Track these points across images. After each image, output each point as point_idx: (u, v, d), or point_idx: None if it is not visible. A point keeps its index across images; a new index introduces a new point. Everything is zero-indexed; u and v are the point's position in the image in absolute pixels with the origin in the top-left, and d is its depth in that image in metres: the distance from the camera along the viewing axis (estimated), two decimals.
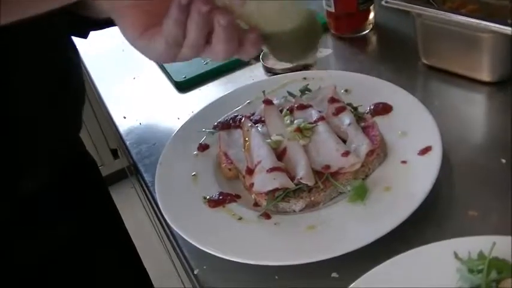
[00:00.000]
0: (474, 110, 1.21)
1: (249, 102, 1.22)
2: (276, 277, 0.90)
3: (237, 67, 1.47)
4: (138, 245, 1.44)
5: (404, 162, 0.99)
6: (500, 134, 1.10)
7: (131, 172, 1.64)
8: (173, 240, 1.01)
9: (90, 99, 2.24)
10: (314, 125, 1.04)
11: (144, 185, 1.16)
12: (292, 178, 0.97)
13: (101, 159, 3.36)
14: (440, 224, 0.91)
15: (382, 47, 1.46)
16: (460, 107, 1.20)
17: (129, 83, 1.56)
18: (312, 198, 0.96)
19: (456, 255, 0.80)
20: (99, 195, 1.35)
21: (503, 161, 1.02)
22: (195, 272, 0.92)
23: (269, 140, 1.03)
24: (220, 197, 1.00)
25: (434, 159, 0.96)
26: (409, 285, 0.79)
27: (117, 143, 1.50)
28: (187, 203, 1.02)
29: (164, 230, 1.06)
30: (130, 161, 1.26)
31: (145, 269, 1.49)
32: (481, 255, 0.78)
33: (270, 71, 1.38)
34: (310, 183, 0.94)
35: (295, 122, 1.05)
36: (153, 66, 1.57)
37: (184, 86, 1.45)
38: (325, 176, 0.97)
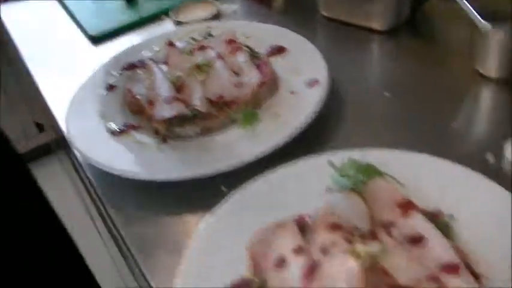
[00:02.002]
0: (366, 55, 1.35)
1: (157, 50, 1.33)
2: (171, 192, 1.02)
3: (149, 21, 1.58)
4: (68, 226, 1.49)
5: (293, 93, 1.12)
6: (386, 74, 1.28)
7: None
8: (110, 224, 1.09)
9: None
10: (211, 62, 1.16)
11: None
12: (188, 108, 1.09)
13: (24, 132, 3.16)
14: (326, 148, 1.02)
15: (285, 2, 1.59)
16: (354, 52, 1.34)
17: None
18: (207, 125, 1.07)
19: (330, 163, 0.92)
20: (13, 173, 1.37)
21: (387, 94, 1.16)
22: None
23: (169, 76, 1.15)
24: (125, 127, 1.11)
25: (320, 91, 1.10)
26: (286, 194, 0.92)
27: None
28: (97, 135, 1.13)
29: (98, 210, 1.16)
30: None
31: (78, 249, 1.55)
32: (351, 161, 0.91)
33: (179, 24, 1.49)
34: (203, 109, 1.06)
35: (194, 60, 1.17)
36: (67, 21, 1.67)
37: (98, 39, 1.54)
38: (219, 104, 1.09)
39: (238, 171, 0.97)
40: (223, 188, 0.98)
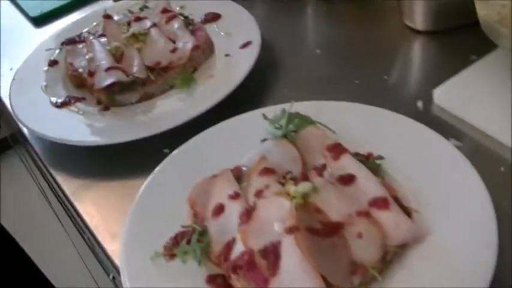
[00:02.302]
0: (300, 19, 1.38)
1: (95, 24, 1.34)
2: (116, 157, 1.05)
3: (89, 0, 1.58)
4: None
5: (227, 55, 1.15)
6: (319, 34, 1.32)
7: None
8: (60, 194, 1.11)
9: None
10: (147, 31, 1.18)
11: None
12: (128, 76, 1.11)
13: None
14: (261, 105, 1.05)
15: None
16: (289, 17, 1.38)
17: None
18: (146, 90, 1.09)
19: (264, 116, 0.95)
20: None
21: (318, 51, 1.20)
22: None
23: (108, 47, 1.16)
24: (68, 99, 1.13)
25: (253, 51, 1.12)
26: (223, 149, 0.95)
27: None
28: (41, 108, 1.14)
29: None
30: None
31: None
32: (283, 112, 0.93)
33: (117, 1, 1.50)
34: (142, 75, 1.08)
35: (131, 30, 1.19)
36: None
37: (40, 21, 1.54)
38: (156, 70, 1.11)
39: (179, 133, 1.00)
40: (165, 151, 0.99)
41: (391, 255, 0.75)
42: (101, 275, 1.21)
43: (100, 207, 0.97)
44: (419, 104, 1.02)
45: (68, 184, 1.03)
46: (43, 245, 1.86)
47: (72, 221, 1.14)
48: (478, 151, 0.91)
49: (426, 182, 0.83)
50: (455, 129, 0.96)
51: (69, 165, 1.06)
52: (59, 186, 1.03)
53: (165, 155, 0.96)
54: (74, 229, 1.07)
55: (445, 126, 0.95)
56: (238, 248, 0.75)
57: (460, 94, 1.01)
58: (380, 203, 0.77)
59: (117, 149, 1.02)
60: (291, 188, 0.77)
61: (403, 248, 0.76)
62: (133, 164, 1.02)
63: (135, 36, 1.16)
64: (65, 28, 1.36)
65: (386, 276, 0.74)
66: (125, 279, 0.78)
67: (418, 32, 1.19)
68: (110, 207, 0.97)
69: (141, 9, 1.29)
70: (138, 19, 1.22)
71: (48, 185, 1.14)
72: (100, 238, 0.92)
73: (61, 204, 1.12)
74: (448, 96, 1.02)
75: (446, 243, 0.75)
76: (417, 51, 1.22)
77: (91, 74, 1.10)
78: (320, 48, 1.21)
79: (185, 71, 1.10)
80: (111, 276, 1.07)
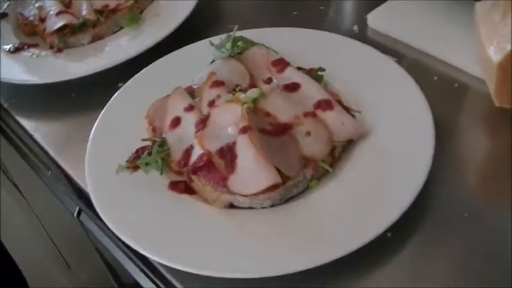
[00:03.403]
0: None
1: None
2: (74, 94, 1.05)
3: None
4: None
5: None
6: None
7: None
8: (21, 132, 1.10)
9: None
10: None
11: None
12: (78, 19, 1.10)
13: None
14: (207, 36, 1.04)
15: None
16: None
17: None
18: (96, 31, 1.09)
19: (211, 42, 0.96)
20: None
21: None
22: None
23: None
24: (20, 45, 1.11)
25: None
26: (175, 73, 0.96)
27: None
28: None
29: None
30: None
31: None
32: (227, 37, 0.94)
33: None
34: (92, 17, 1.08)
35: None
36: None
37: None
38: (105, 12, 1.10)
39: (132, 68, 1.00)
40: (120, 84, 0.99)
41: (338, 151, 0.77)
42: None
43: (62, 140, 0.98)
44: (355, 28, 1.05)
45: (29, 123, 1.03)
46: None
47: (29, 160, 1.12)
48: (412, 65, 0.94)
49: (366, 89, 0.86)
50: (389, 48, 0.99)
51: (29, 106, 1.06)
52: (20, 125, 1.02)
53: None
54: (36, 161, 1.06)
55: (380, 46, 0.97)
56: (196, 153, 0.77)
57: (391, 16, 1.05)
58: (324, 104, 0.79)
59: (74, 88, 1.03)
60: (241, 95, 0.79)
61: (349, 144, 0.77)
62: (91, 99, 1.02)
63: None
64: None
65: (335, 168, 0.75)
66: (91, 194, 0.79)
67: None
68: (72, 139, 0.97)
69: None
70: None
71: (6, 128, 1.12)
72: (64, 166, 0.92)
73: (20, 144, 1.11)
74: (380, 19, 1.05)
75: (388, 138, 0.78)
76: None
77: (42, 20, 1.11)
78: None
79: (132, 12, 1.08)
80: (75, 213, 1.06)
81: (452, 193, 0.75)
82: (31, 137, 1.01)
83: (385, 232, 0.68)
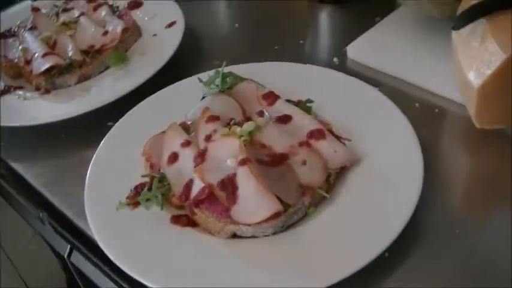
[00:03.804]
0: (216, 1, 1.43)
1: (23, 20, 1.34)
2: (64, 136, 1.07)
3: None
4: None
5: (155, 35, 1.19)
6: (236, 11, 1.37)
7: None
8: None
9: None
10: (77, 19, 1.20)
11: None
12: (64, 60, 1.13)
13: None
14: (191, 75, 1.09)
15: None
16: (204, 2, 1.42)
17: None
18: (83, 72, 1.12)
19: (199, 79, 0.99)
20: None
21: (237, 25, 1.27)
22: None
23: (40, 36, 1.18)
24: (6, 88, 1.13)
25: (178, 28, 1.17)
26: (166, 111, 0.99)
27: None
28: None
29: None
30: None
31: None
32: (216, 73, 0.98)
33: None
34: (78, 58, 1.10)
35: (61, 19, 1.21)
36: None
37: None
38: (91, 53, 1.13)
39: (120, 107, 1.02)
40: (110, 123, 1.02)
41: (333, 178, 0.80)
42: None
43: (54, 180, 0.99)
44: (335, 59, 1.09)
45: (19, 164, 1.04)
46: None
47: (16, 205, 1.13)
48: (393, 93, 0.97)
49: (353, 117, 0.90)
50: (370, 77, 1.03)
51: (19, 148, 1.07)
52: (10, 167, 1.03)
53: (110, 128, 0.99)
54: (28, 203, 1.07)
55: (361, 76, 1.01)
56: (197, 186, 0.79)
57: (370, 47, 1.09)
58: (317, 134, 0.83)
59: (63, 128, 1.05)
60: (237, 128, 0.82)
61: (342, 170, 0.81)
62: (81, 139, 1.03)
63: (65, 24, 1.18)
64: None
65: (331, 194, 0.79)
66: (93, 229, 0.81)
67: (324, 1, 1.26)
68: (64, 179, 0.98)
69: (65, 2, 1.29)
70: (66, 10, 1.25)
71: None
72: (60, 206, 0.94)
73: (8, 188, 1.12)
74: (359, 50, 1.09)
75: (378, 163, 0.82)
76: (327, 17, 1.29)
77: (27, 62, 1.12)
78: (238, 23, 1.26)
79: (118, 51, 1.11)
80: (66, 253, 1.07)
81: (442, 211, 0.80)
82: (22, 178, 1.01)
83: (383, 252, 0.71)
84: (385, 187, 0.78)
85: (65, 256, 1.05)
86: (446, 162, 0.87)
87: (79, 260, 1.02)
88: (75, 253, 1.03)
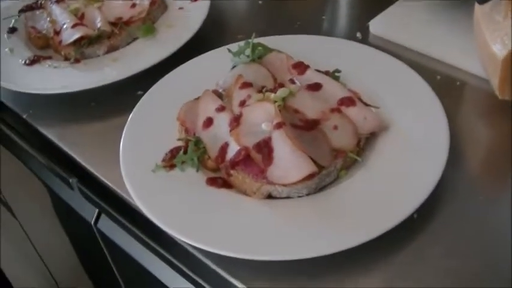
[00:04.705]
0: None
1: None
2: (94, 103, 1.09)
3: None
4: None
5: (181, 8, 1.22)
6: None
7: None
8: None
9: None
10: None
11: None
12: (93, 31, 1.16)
13: None
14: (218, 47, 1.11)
15: None
16: None
17: None
18: (112, 42, 1.15)
19: (229, 50, 1.02)
20: None
21: (260, 2, 1.29)
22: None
23: (69, 8, 1.21)
24: (36, 58, 1.16)
25: (204, 3, 1.20)
26: (198, 79, 1.01)
27: None
28: (12, 68, 1.15)
29: None
30: None
31: None
32: (246, 43, 1.01)
33: None
34: (107, 29, 1.13)
35: None
36: None
37: None
38: (119, 24, 1.16)
39: (149, 77, 1.05)
40: (139, 93, 1.04)
41: (363, 143, 0.84)
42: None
43: (88, 146, 1.01)
44: (358, 34, 1.12)
45: (51, 131, 1.06)
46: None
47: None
48: (415, 66, 0.99)
49: (380, 88, 0.93)
50: (392, 52, 1.05)
51: (50, 117, 1.09)
52: (42, 135, 1.06)
53: (140, 97, 1.01)
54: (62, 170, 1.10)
55: (383, 51, 1.04)
56: (232, 149, 0.82)
57: (392, 22, 1.12)
58: (347, 101, 0.86)
59: (93, 97, 1.07)
60: (271, 94, 0.85)
61: (372, 136, 0.85)
62: (111, 107, 1.06)
63: None
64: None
65: (362, 159, 0.83)
66: (130, 192, 0.83)
67: None
68: (99, 145, 1.00)
69: None
70: None
71: (30, 141, 1.16)
72: (95, 171, 0.96)
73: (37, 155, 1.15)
74: (382, 25, 1.13)
75: (406, 130, 0.85)
76: None
77: (57, 32, 1.14)
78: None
79: (146, 23, 1.14)
80: (93, 219, 1.10)
81: (466, 179, 0.84)
82: (52, 145, 1.04)
83: (411, 214, 0.75)
84: (413, 152, 0.81)
85: (92, 223, 1.08)
86: (468, 132, 0.90)
87: (106, 225, 1.05)
88: (102, 218, 1.06)
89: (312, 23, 1.20)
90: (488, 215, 0.78)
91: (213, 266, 0.78)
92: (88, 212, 1.11)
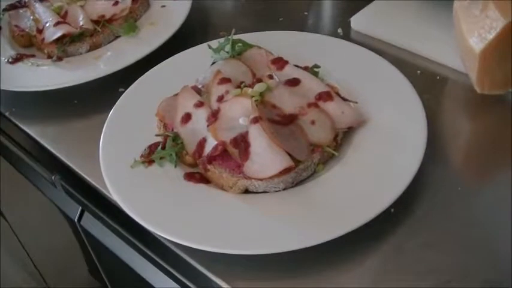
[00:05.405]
0: None
1: None
2: (76, 100, 1.09)
3: None
4: None
5: (163, 6, 1.22)
6: None
7: None
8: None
9: None
10: None
11: None
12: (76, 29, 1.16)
13: None
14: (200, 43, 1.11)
15: None
16: None
17: None
18: (94, 40, 1.15)
19: (209, 46, 1.02)
20: None
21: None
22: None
23: (52, 7, 1.21)
24: (19, 56, 1.16)
25: (186, 1, 1.20)
26: (177, 75, 1.01)
27: None
28: None
29: None
30: None
31: None
32: (226, 39, 1.01)
33: None
34: (89, 27, 1.13)
35: None
36: None
37: None
38: (101, 22, 1.16)
39: (130, 75, 1.05)
40: (121, 89, 1.04)
41: (340, 137, 0.84)
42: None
43: (68, 141, 1.01)
44: (340, 30, 1.13)
45: (34, 129, 1.06)
46: None
47: (26, 170, 1.16)
48: (396, 61, 1.00)
49: (359, 83, 0.93)
50: (373, 47, 1.05)
51: (32, 114, 1.09)
52: (24, 132, 1.06)
53: (121, 94, 1.01)
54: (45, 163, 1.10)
55: (364, 47, 1.04)
56: (210, 144, 0.83)
57: (374, 19, 1.13)
58: (325, 96, 0.86)
59: (75, 95, 1.08)
60: (249, 89, 0.85)
61: (349, 131, 0.85)
62: (93, 104, 1.06)
63: None
64: None
65: (340, 153, 0.83)
66: (109, 188, 0.83)
67: None
68: (79, 142, 1.01)
69: None
70: None
71: (13, 139, 1.16)
72: (78, 169, 0.96)
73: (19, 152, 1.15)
74: (363, 21, 1.13)
75: (384, 124, 0.85)
76: None
77: (39, 31, 1.14)
78: None
79: (128, 21, 1.15)
80: (76, 216, 1.10)
81: (444, 172, 0.84)
82: (35, 142, 1.04)
83: (389, 208, 0.75)
84: (390, 146, 0.82)
85: (75, 220, 1.08)
86: (448, 125, 0.90)
87: (90, 222, 1.05)
88: (85, 215, 1.06)
89: (295, 20, 1.19)
90: (467, 207, 0.79)
91: (192, 262, 0.78)
92: (71, 209, 1.11)
